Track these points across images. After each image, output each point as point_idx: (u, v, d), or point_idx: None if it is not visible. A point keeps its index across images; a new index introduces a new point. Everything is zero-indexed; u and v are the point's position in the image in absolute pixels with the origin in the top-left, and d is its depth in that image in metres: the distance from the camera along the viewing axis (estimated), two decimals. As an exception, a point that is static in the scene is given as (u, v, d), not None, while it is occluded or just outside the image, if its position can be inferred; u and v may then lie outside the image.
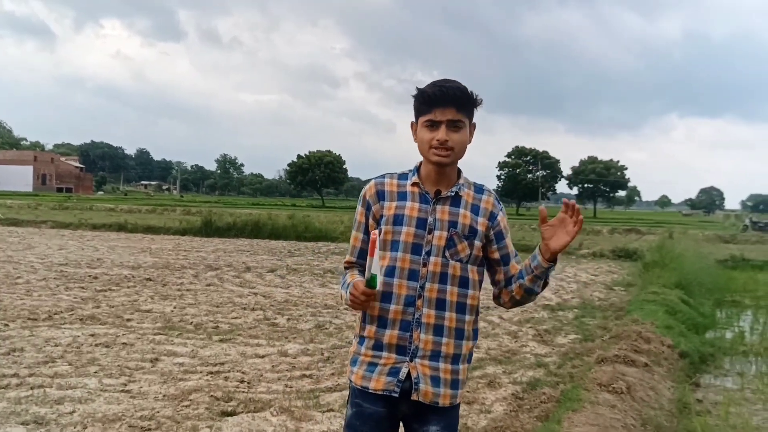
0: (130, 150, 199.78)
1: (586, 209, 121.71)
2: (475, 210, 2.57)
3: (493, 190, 2.67)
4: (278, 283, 13.29)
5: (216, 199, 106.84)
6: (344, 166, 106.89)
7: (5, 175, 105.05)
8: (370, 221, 2.61)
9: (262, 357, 7.27)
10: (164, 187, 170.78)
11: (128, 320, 8.93)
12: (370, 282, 2.40)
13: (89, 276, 13.01)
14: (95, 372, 6.38)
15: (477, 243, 2.55)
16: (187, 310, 9.83)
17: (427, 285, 2.50)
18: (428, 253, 2.50)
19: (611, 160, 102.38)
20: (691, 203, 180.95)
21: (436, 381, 2.50)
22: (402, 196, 2.57)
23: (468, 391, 6.28)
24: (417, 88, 2.53)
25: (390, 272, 2.52)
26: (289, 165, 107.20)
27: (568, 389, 6.29)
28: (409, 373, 2.49)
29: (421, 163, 2.61)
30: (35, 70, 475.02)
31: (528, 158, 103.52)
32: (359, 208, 2.65)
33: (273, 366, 6.90)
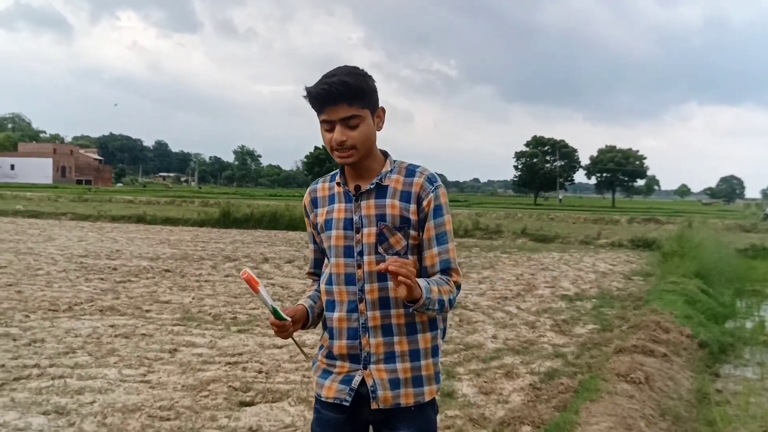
0: (149, 142, 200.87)
1: (605, 198, 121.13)
2: (405, 197, 2.33)
3: (429, 170, 2.40)
4: (296, 274, 13.33)
5: (234, 190, 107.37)
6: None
7: (25, 168, 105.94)
8: (314, 231, 2.52)
9: (280, 347, 7.30)
10: (182, 179, 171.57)
11: (147, 311, 8.99)
12: (278, 316, 2.29)
13: (109, 267, 13.11)
14: (115, 362, 6.43)
15: (412, 232, 2.34)
16: (205, 301, 9.88)
17: (367, 286, 2.34)
18: (360, 254, 2.34)
19: (630, 149, 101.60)
20: (710, 192, 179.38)
21: (395, 383, 2.35)
22: (331, 199, 2.43)
23: (485, 382, 6.29)
24: (305, 87, 2.29)
25: (329, 280, 2.41)
26: (306, 156, 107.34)
27: (586, 379, 6.27)
28: (364, 381, 2.35)
29: None
30: (52, 62, 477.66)
31: (546, 148, 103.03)
32: (306, 219, 2.55)
33: (291, 356, 6.93)
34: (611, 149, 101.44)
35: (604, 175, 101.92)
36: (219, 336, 7.71)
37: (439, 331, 2.47)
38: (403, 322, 2.35)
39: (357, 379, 2.36)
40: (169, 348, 7.05)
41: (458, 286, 2.40)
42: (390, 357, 2.35)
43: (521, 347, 7.82)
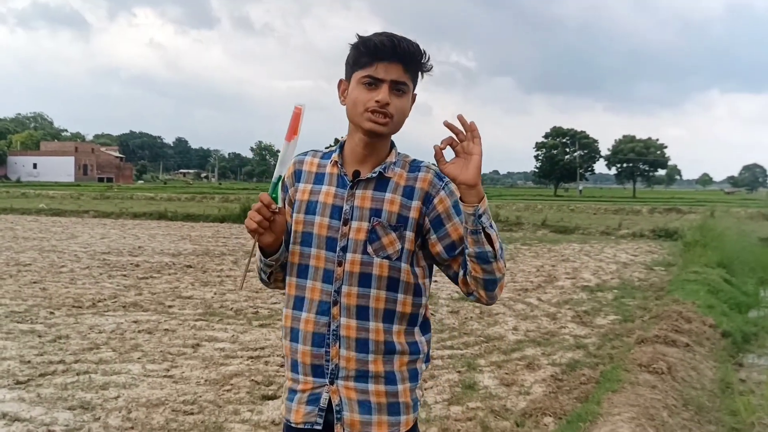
0: (169, 139, 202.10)
1: (626, 189, 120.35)
2: (408, 193, 2.03)
3: (434, 166, 2.09)
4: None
5: (254, 185, 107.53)
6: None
7: (48, 167, 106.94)
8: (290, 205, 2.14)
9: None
10: (203, 175, 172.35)
11: (170, 307, 9.07)
12: (274, 186, 1.95)
13: (131, 264, 13.23)
14: (138, 358, 6.49)
15: (409, 234, 2.02)
16: (227, 296, 9.95)
17: (344, 288, 2.01)
18: (344, 249, 2.01)
19: (650, 138, 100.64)
20: (733, 181, 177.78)
21: (365, 407, 2.02)
22: (319, 178, 2.10)
23: (507, 373, 6.29)
24: (358, 35, 2.01)
25: (303, 272, 2.07)
26: (325, 149, 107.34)
27: (607, 370, 6.25)
28: (330, 400, 2.04)
29: (346, 137, 2.13)
30: (71, 61, 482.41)
31: (565, 138, 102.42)
32: (281, 194, 2.11)
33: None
34: (631, 139, 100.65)
35: (625, 165, 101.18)
36: (241, 330, 7.76)
37: (421, 355, 2.12)
38: (382, 339, 2.02)
39: (325, 397, 2.04)
40: (191, 343, 7.11)
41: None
42: (362, 376, 2.03)
43: (542, 338, 7.81)
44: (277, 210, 1.96)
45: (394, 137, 2.11)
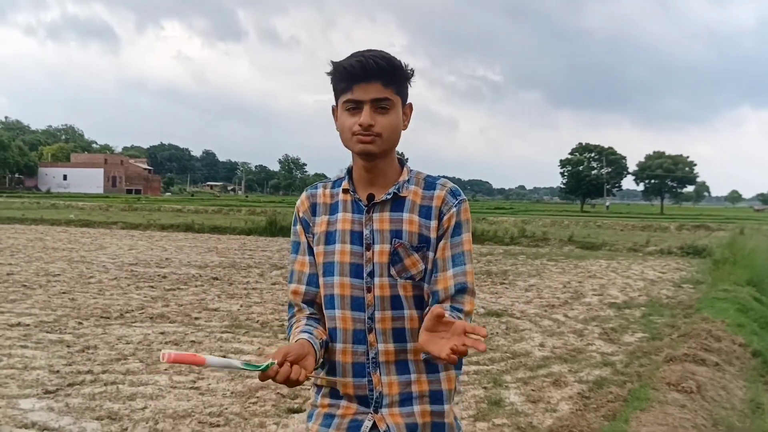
0: (196, 151, 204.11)
1: (653, 205, 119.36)
2: (425, 213, 2.00)
3: (449, 183, 2.06)
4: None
5: (280, 199, 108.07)
6: (407, 164, 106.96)
7: (78, 178, 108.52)
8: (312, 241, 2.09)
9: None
10: (229, 188, 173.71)
11: (196, 319, 9.12)
12: (254, 368, 1.80)
13: (158, 275, 13.33)
14: (165, 369, 6.53)
15: (431, 254, 1.99)
16: (253, 309, 9.98)
17: (377, 314, 1.97)
18: (371, 275, 1.97)
19: (679, 154, 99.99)
20: (762, 198, 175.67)
21: (412, 429, 1.98)
22: (334, 208, 2.06)
23: (533, 390, 6.25)
24: (331, 62, 1.98)
25: (330, 303, 2.02)
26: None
27: (635, 388, 6.19)
28: (375, 425, 1.98)
29: (351, 164, 2.09)
30: (101, 73, 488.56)
31: (592, 154, 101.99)
32: (296, 228, 2.11)
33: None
34: (660, 155, 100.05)
35: (652, 181, 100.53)
36: (267, 343, 7.78)
37: (461, 370, 2.12)
38: (422, 358, 1.96)
39: (367, 425, 1.98)
40: (218, 355, 7.13)
41: (469, 320, 1.98)
42: (407, 399, 1.98)
43: (569, 355, 7.75)
44: (275, 364, 1.80)
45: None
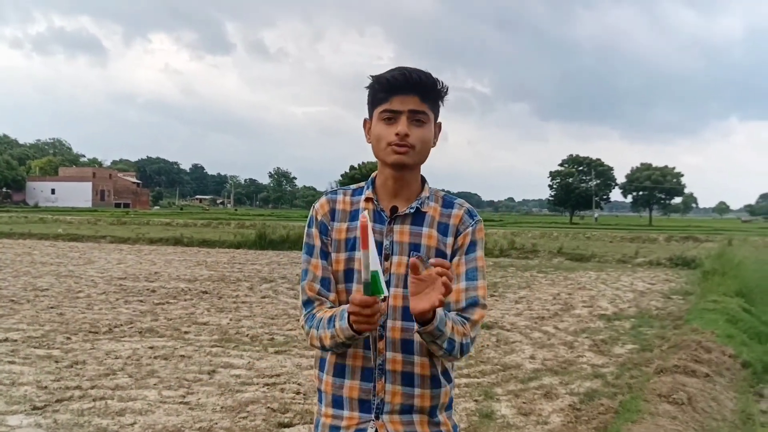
0: (185, 165, 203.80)
1: (642, 217, 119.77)
2: (443, 229, 2.07)
3: (467, 203, 2.15)
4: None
5: (269, 212, 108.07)
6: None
7: (66, 192, 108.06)
8: (329, 245, 2.12)
9: (318, 368, 7.30)
10: (219, 201, 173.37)
11: (186, 333, 9.07)
12: (373, 286, 1.77)
13: (147, 289, 13.27)
14: (155, 384, 6.49)
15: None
16: (242, 323, 9.94)
17: (389, 323, 2.02)
18: (388, 284, 2.00)
19: (666, 166, 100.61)
20: (750, 209, 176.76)
21: None
22: (354, 215, 2.10)
23: (524, 402, 6.24)
24: (371, 75, 2.07)
25: None
26: (341, 176, 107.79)
27: (626, 400, 6.19)
28: None
29: (376, 174, 2.16)
30: (89, 86, 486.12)
31: (581, 167, 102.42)
32: (312, 230, 2.15)
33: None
34: (647, 167, 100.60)
35: (641, 193, 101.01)
36: (257, 357, 7.75)
37: (453, 383, 2.18)
38: (428, 374, 2.04)
39: None
40: (207, 369, 7.10)
41: (476, 330, 2.07)
42: (407, 410, 2.04)
43: (560, 367, 7.75)
44: (384, 300, 1.87)
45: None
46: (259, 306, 11.64)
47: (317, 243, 2.13)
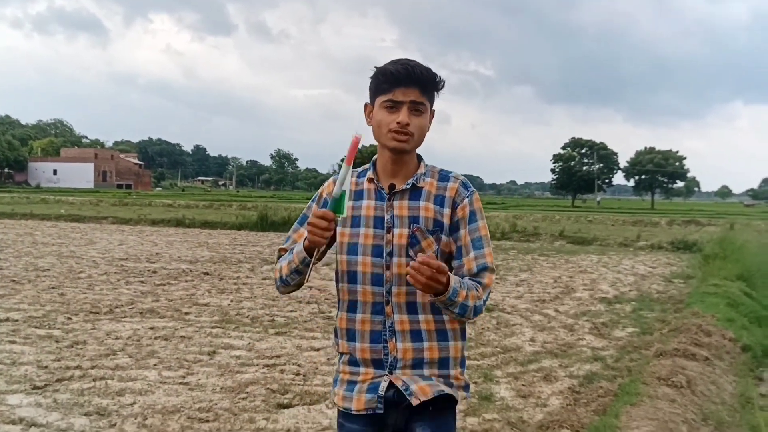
0: (187, 146, 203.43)
1: (644, 200, 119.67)
2: (439, 201, 2.30)
3: (462, 176, 2.38)
4: (332, 277, 13.35)
5: (271, 194, 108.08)
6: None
7: (68, 173, 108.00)
8: None
9: (318, 350, 7.32)
10: (221, 183, 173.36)
11: (186, 314, 9.09)
12: (338, 202, 2.13)
13: (148, 270, 13.28)
14: (155, 364, 6.50)
15: (444, 238, 2.29)
16: (243, 304, 9.96)
17: (394, 289, 2.26)
18: (390, 254, 2.26)
19: (670, 150, 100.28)
20: (752, 193, 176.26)
21: (427, 380, 2.29)
22: (359, 194, 2.34)
23: (523, 385, 6.25)
24: (375, 67, 2.30)
25: (352, 278, 2.31)
26: (342, 159, 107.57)
27: (626, 383, 6.19)
28: (391, 385, 2.27)
29: (376, 157, 2.39)
30: (90, 67, 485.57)
31: (584, 150, 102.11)
32: (313, 205, 2.43)
33: (328, 359, 6.94)
34: (650, 150, 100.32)
35: (643, 176, 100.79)
36: (257, 338, 7.76)
37: (467, 341, 2.41)
38: (433, 329, 2.29)
39: (383, 385, 2.28)
40: (207, 350, 7.11)
41: (488, 291, 2.30)
42: (418, 363, 2.29)
43: (560, 350, 7.76)
44: (338, 220, 2.18)
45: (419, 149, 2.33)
46: (260, 287, 11.65)
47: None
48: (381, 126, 2.26)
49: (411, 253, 2.24)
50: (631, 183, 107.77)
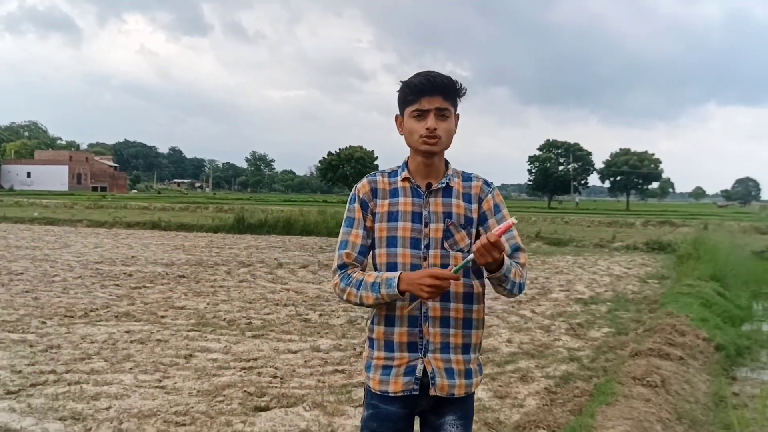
0: (163, 148, 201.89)
1: (619, 201, 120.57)
2: (467, 198, 2.59)
3: (481, 176, 2.68)
4: (310, 279, 13.35)
5: (248, 196, 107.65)
6: (375, 162, 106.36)
7: (42, 175, 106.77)
8: (368, 219, 2.59)
9: (295, 352, 7.31)
10: (197, 185, 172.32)
11: (162, 317, 9.03)
12: (461, 267, 2.40)
13: (124, 273, 13.18)
14: (130, 368, 6.46)
15: (474, 231, 2.57)
16: (220, 307, 9.91)
17: None
18: (427, 247, 2.52)
19: (645, 151, 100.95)
20: (726, 194, 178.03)
21: (450, 373, 2.53)
22: (394, 192, 2.59)
23: (500, 386, 6.28)
24: (401, 81, 2.55)
25: (392, 269, 2.51)
26: (320, 161, 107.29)
27: (601, 383, 6.24)
28: (424, 369, 2.51)
29: (408, 158, 2.63)
30: (63, 68, 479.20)
31: (559, 151, 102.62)
32: (354, 206, 2.61)
33: (305, 361, 6.94)
34: (625, 152, 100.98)
35: (618, 178, 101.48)
36: (234, 341, 7.73)
37: (483, 330, 2.67)
38: (461, 317, 2.54)
39: (420, 368, 2.51)
40: (184, 353, 7.08)
41: (526, 270, 2.61)
42: (445, 347, 2.53)
43: (536, 351, 7.80)
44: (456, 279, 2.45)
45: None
46: (237, 290, 11.60)
47: (358, 216, 2.60)
48: (412, 133, 2.52)
49: (445, 245, 2.52)
50: (607, 184, 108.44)
